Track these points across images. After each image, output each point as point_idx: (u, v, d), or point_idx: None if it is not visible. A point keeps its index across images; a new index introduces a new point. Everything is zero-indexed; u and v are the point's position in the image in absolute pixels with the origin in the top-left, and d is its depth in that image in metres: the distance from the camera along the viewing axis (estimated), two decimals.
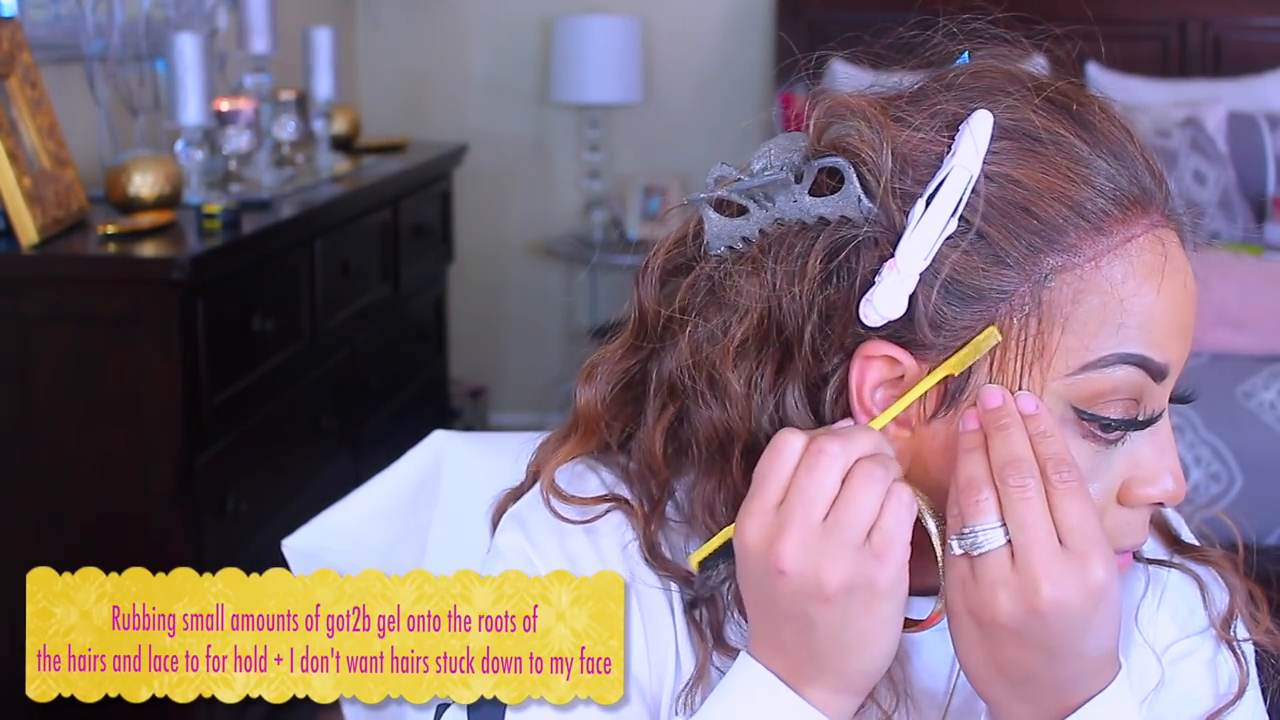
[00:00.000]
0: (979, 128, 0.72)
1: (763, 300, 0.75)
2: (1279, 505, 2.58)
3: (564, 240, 4.07)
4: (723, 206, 0.78)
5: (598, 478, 0.84)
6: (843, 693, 0.72)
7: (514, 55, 4.13)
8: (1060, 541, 0.69)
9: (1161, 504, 0.77)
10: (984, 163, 0.71)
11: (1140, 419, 0.74)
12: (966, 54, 0.78)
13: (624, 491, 0.83)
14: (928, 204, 0.71)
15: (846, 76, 3.68)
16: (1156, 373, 0.73)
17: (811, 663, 0.71)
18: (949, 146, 0.72)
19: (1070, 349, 0.72)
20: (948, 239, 0.71)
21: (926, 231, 0.71)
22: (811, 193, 0.74)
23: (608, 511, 0.82)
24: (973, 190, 0.71)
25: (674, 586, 0.81)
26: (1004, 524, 0.70)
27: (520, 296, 4.23)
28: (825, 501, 0.70)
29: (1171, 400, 0.77)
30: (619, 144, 4.14)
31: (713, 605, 0.80)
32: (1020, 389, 0.73)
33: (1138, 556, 0.87)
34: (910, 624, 0.75)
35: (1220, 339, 2.69)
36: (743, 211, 0.77)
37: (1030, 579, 0.69)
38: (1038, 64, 0.79)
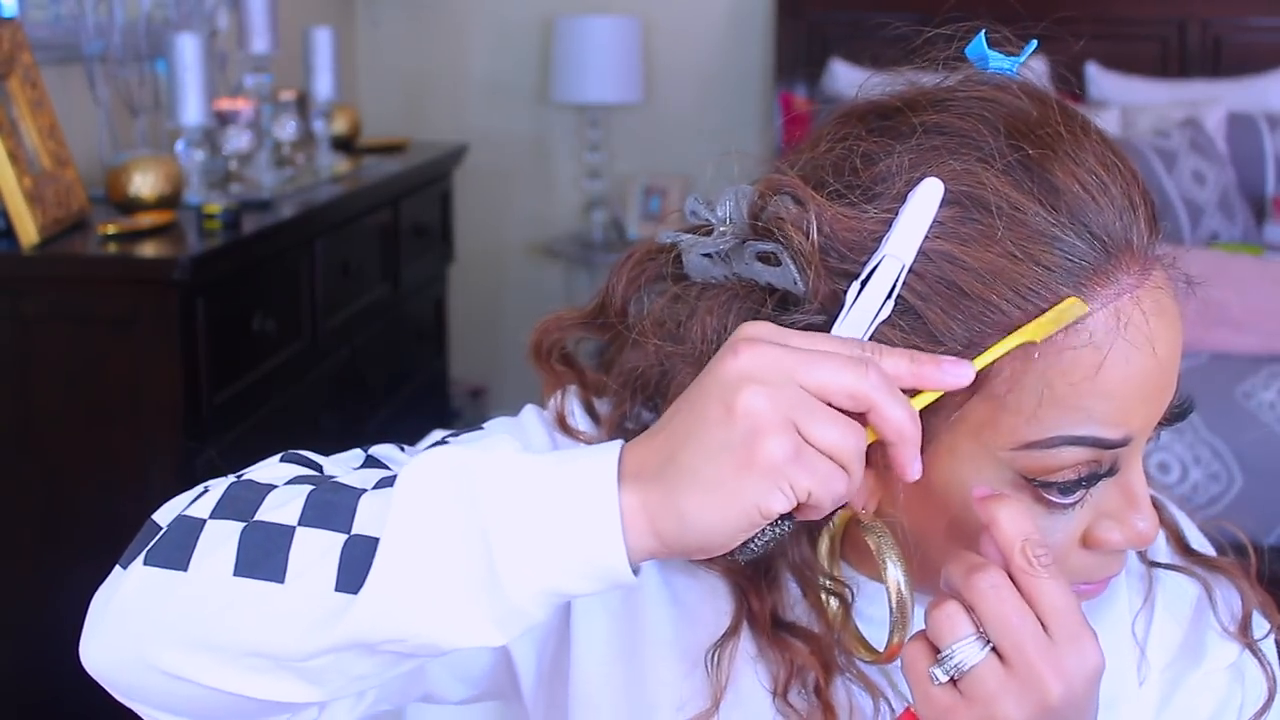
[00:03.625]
0: (922, 205, 0.68)
1: (717, 345, 0.73)
2: (1279, 505, 2.58)
3: (564, 240, 4.07)
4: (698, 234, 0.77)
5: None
6: None
7: (514, 55, 4.13)
8: (1045, 629, 0.66)
9: (1130, 548, 0.74)
10: (927, 236, 0.68)
11: (1101, 472, 0.71)
12: (984, 33, 0.75)
13: None
14: (862, 287, 0.68)
15: (847, 77, 3.69)
16: (1112, 447, 0.69)
17: None
18: (889, 223, 0.68)
19: (1012, 426, 0.69)
20: (884, 321, 0.68)
21: (859, 317, 0.68)
22: (759, 257, 0.73)
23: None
24: (910, 270, 0.68)
25: None
26: (979, 632, 0.66)
27: (520, 296, 4.23)
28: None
29: (1165, 423, 0.74)
30: (619, 144, 4.14)
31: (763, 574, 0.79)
32: (962, 458, 0.70)
33: (1153, 562, 0.86)
34: (873, 654, 0.75)
35: (1220, 339, 2.69)
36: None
37: (1035, 679, 0.65)
38: (1036, 67, 0.78)
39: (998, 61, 0.75)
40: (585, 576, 0.62)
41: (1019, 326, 0.68)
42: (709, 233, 0.76)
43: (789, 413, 0.61)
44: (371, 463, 0.77)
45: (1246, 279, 2.80)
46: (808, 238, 0.70)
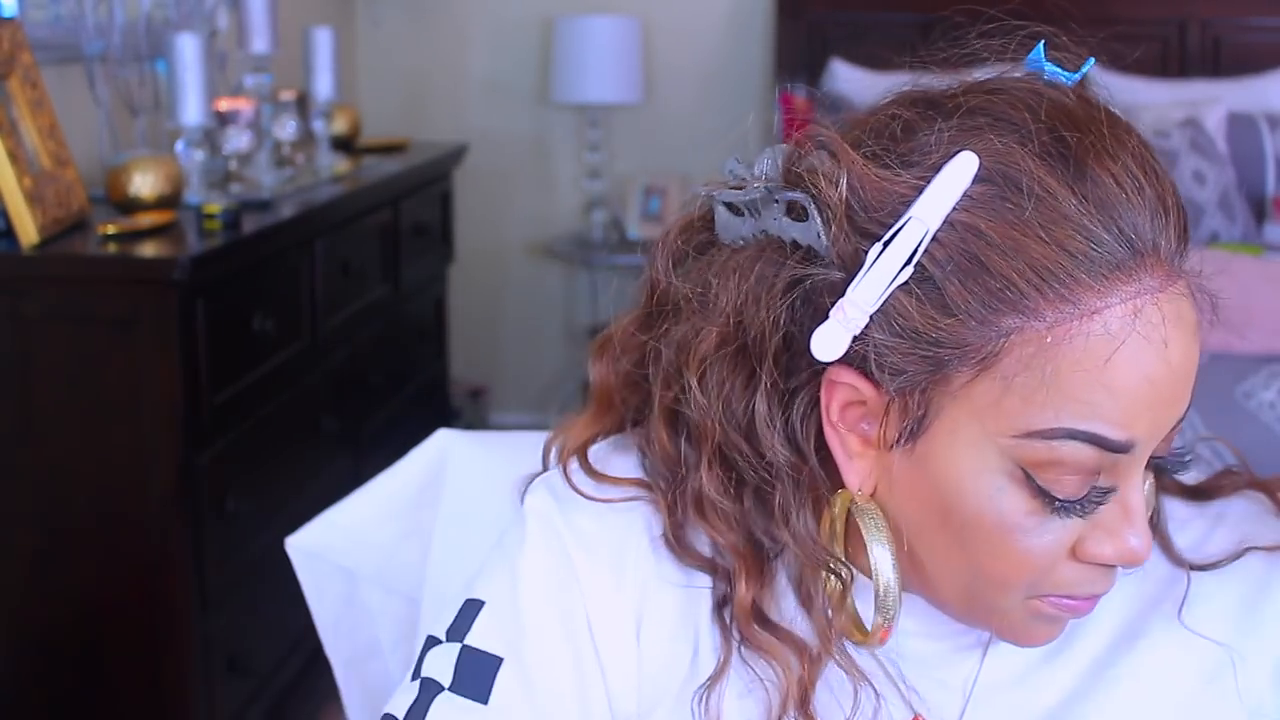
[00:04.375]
0: (954, 176, 0.68)
1: (737, 304, 0.74)
2: None
3: (564, 240, 4.07)
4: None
5: (624, 462, 0.83)
6: None
7: (514, 55, 4.13)
8: None
9: (1119, 564, 0.73)
10: (956, 208, 0.68)
11: (1096, 489, 0.70)
12: (1042, 44, 0.75)
13: (648, 477, 0.82)
14: (883, 249, 0.68)
15: (847, 77, 3.69)
16: (1114, 449, 0.69)
17: None
18: (920, 190, 0.69)
19: (1014, 412, 0.68)
20: (901, 286, 0.69)
21: (877, 278, 0.68)
22: (788, 214, 0.73)
23: (634, 498, 0.81)
24: (934, 239, 0.68)
25: (701, 582, 0.80)
26: None
27: (520, 296, 4.23)
28: None
29: (1160, 460, 0.73)
30: (619, 144, 4.14)
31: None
32: (963, 441, 0.70)
33: (1193, 565, 0.84)
34: (864, 635, 0.75)
35: (1220, 339, 2.68)
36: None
37: None
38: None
39: (1054, 73, 0.75)
40: None
41: (1034, 309, 0.68)
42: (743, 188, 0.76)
43: None
44: (427, 689, 0.78)
45: (1246, 279, 2.80)
46: (836, 190, 0.71)
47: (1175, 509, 0.86)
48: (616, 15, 3.92)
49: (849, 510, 0.76)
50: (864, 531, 0.72)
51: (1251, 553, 0.83)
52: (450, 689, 0.78)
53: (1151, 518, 0.83)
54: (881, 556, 0.72)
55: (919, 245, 0.68)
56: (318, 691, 2.51)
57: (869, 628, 0.76)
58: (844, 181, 0.71)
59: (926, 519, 0.73)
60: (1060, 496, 0.70)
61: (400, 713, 0.79)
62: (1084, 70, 0.76)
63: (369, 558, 1.11)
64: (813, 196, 0.71)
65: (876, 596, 0.71)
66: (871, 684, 0.78)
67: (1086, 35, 0.78)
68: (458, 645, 0.79)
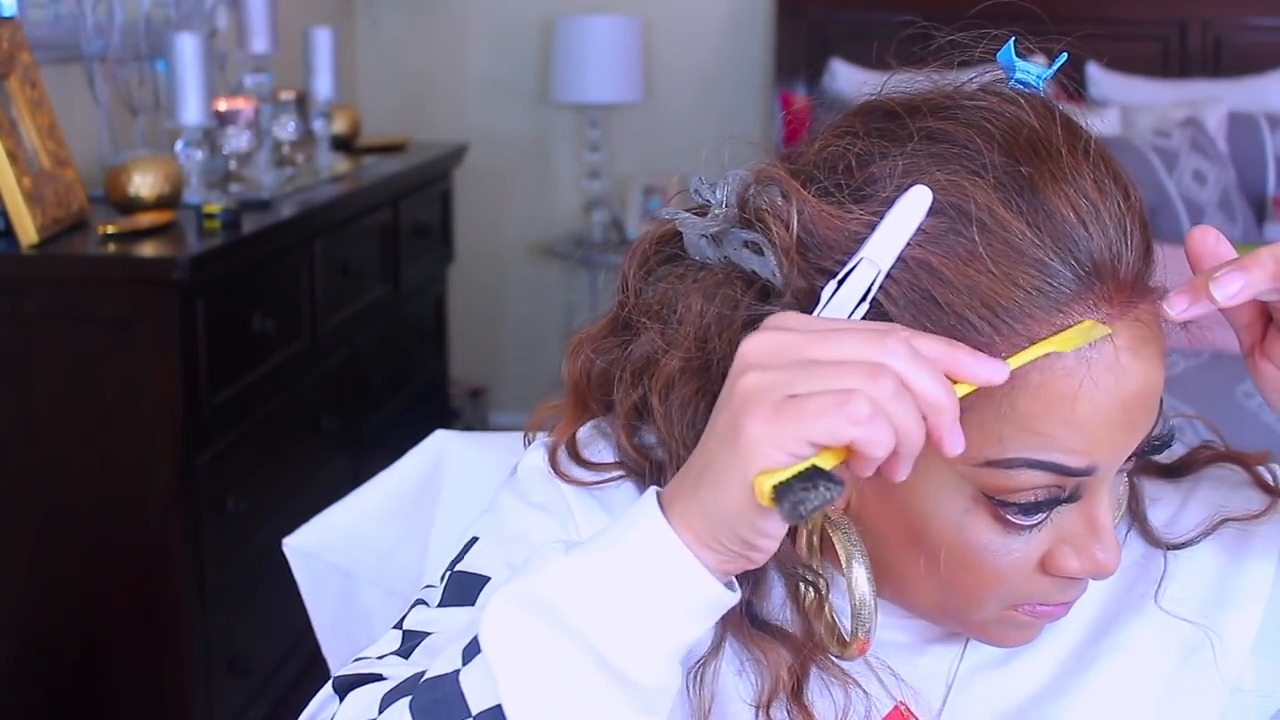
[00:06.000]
0: (907, 213, 0.67)
1: (701, 328, 0.74)
2: None
3: (564, 240, 4.07)
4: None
5: (605, 448, 0.83)
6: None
7: (514, 55, 4.13)
8: None
9: (1087, 577, 0.73)
10: (908, 244, 0.67)
11: (1062, 497, 0.70)
12: (1013, 41, 0.74)
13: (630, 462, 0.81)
14: (837, 287, 0.67)
15: (847, 77, 3.69)
16: (1075, 474, 0.69)
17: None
18: (873, 226, 0.68)
19: (973, 442, 0.66)
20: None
21: (833, 314, 0.67)
22: (746, 247, 0.73)
23: (620, 477, 0.81)
24: (888, 275, 0.67)
25: None
26: None
27: (520, 296, 4.23)
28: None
29: (1141, 454, 0.72)
30: (619, 144, 4.14)
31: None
32: (922, 467, 0.66)
33: (1173, 544, 0.84)
34: (842, 646, 0.75)
35: (1221, 338, 2.68)
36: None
37: None
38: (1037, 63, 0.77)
39: (1024, 70, 0.74)
40: (695, 618, 0.63)
41: (989, 345, 0.67)
42: (706, 213, 0.76)
43: (781, 384, 0.59)
44: (410, 638, 0.75)
45: None
46: (788, 230, 0.70)
47: (1149, 486, 0.86)
48: (616, 15, 3.92)
49: (824, 523, 0.76)
50: (838, 546, 0.72)
51: (1225, 525, 0.83)
52: (436, 606, 0.77)
53: (1129, 501, 0.84)
54: (857, 571, 0.71)
55: (871, 285, 0.67)
56: (317, 692, 2.51)
57: (848, 637, 0.76)
58: (794, 221, 0.70)
59: (897, 536, 0.73)
60: (1022, 520, 0.70)
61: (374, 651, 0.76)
62: (1055, 68, 0.75)
63: (367, 558, 1.11)
64: (765, 235, 0.71)
65: (852, 610, 0.71)
66: (859, 684, 0.78)
67: (1063, 36, 0.77)
68: (447, 574, 0.78)
